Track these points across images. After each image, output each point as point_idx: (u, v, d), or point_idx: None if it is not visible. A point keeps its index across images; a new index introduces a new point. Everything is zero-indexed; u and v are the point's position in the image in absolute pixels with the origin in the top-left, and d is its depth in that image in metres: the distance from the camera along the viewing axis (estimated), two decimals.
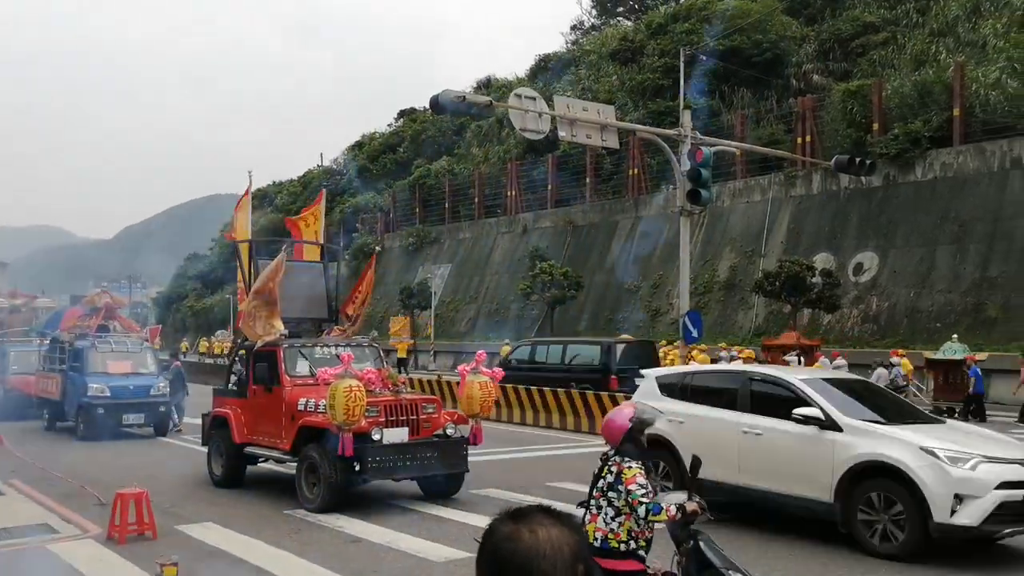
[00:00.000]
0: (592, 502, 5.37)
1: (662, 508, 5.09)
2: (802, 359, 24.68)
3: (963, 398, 23.47)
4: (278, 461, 12.22)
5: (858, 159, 21.05)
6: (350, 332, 12.96)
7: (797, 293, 31.09)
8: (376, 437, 10.59)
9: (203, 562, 8.53)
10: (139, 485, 9.76)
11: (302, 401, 11.20)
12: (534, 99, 17.09)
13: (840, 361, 25.88)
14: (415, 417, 11.12)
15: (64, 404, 19.08)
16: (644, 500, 5.08)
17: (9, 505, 11.17)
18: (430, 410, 11.37)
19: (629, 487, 5.15)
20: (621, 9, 73.43)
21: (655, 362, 21.97)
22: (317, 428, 10.80)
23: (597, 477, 5.42)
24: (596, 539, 5.27)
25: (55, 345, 20.19)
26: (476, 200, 56.17)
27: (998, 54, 34.27)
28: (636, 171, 45.47)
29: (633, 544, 5.24)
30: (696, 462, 5.62)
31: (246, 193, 13.81)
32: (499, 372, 11.84)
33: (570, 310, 44.09)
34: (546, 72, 65.09)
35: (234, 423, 12.34)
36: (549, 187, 51.20)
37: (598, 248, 46.49)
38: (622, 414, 5.52)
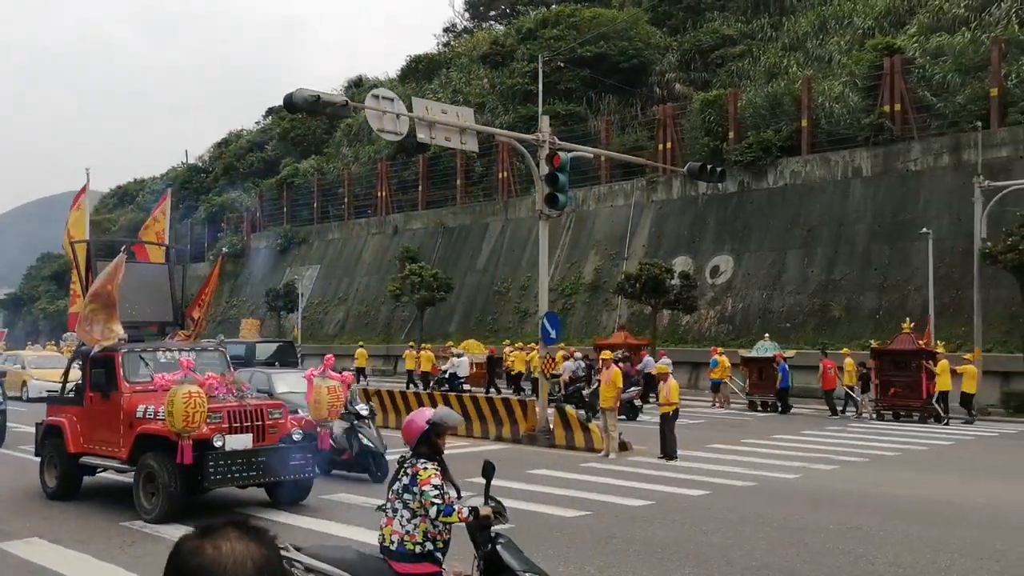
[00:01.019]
0: (388, 504, 5.34)
1: (454, 510, 5.12)
2: (631, 358, 26.07)
3: (775, 392, 25.46)
4: (118, 471, 11.73)
5: (709, 166, 21.79)
6: (195, 336, 12.55)
7: (657, 295, 32.07)
8: (218, 444, 10.30)
9: None
10: None
11: (141, 408, 10.77)
12: (392, 100, 16.96)
13: (665, 360, 27.37)
14: (260, 423, 10.86)
15: None
16: (436, 501, 5.10)
17: None
18: (276, 415, 11.12)
19: (423, 488, 5.15)
20: (493, 13, 73.97)
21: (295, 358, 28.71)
22: (156, 436, 10.44)
23: (394, 479, 5.40)
24: (392, 542, 5.24)
25: None
26: (346, 200, 55.45)
27: (842, 69, 36.32)
28: (506, 174, 45.88)
29: (430, 546, 5.23)
30: (489, 467, 5.61)
31: (82, 191, 13.21)
32: (348, 376, 11.72)
33: (441, 312, 44.05)
34: (417, 73, 64.85)
35: (69, 432, 11.75)
36: (420, 188, 51.07)
37: (469, 250, 46.65)
38: (422, 415, 5.53)
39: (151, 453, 10.46)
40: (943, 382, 22.03)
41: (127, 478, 11.89)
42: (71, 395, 12.45)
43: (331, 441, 11.90)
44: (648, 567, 8.67)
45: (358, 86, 66.76)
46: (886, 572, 8.53)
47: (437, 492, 5.16)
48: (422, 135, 17.48)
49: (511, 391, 29.54)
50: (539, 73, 31.15)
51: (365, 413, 13.45)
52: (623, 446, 17.17)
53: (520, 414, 19.21)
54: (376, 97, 16.81)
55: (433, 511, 5.10)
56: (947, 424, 22.03)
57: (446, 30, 76.39)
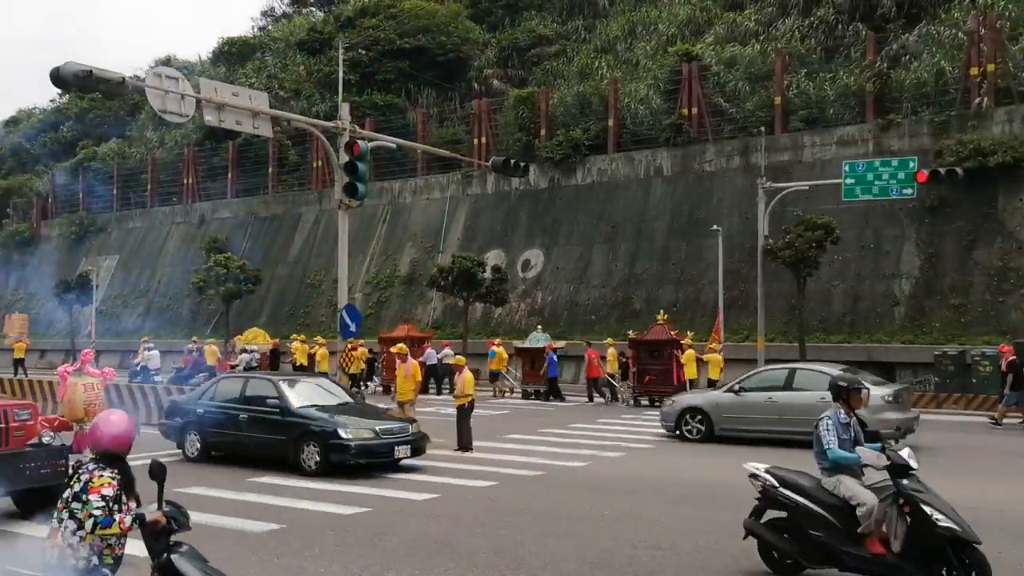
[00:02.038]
0: (56, 515, 4.87)
1: (113, 520, 4.72)
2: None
3: (545, 382, 26.77)
4: None
5: (513, 161, 22.00)
6: None
7: (469, 288, 32.22)
8: None
9: None
10: None
11: None
12: (176, 80, 16.02)
13: (447, 351, 28.55)
14: (4, 425, 9.89)
15: None
16: (96, 512, 4.70)
17: None
18: (23, 417, 10.17)
19: (90, 496, 4.76)
20: (313, 0, 72.14)
21: None
22: None
23: (65, 486, 4.95)
24: (53, 557, 4.79)
25: None
26: (149, 187, 52.51)
27: (647, 73, 37.78)
28: (320, 163, 44.76)
29: (96, 560, 4.81)
30: (158, 468, 5.17)
31: None
32: (110, 372, 10.92)
33: (250, 305, 42.51)
34: (231, 56, 62.29)
35: None
36: (230, 176, 49.04)
37: (281, 241, 45.28)
38: (124, 420, 5.10)
39: None
40: (689, 370, 23.71)
41: None
42: None
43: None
44: (414, 564, 8.49)
45: (167, 66, 63.38)
46: (646, 555, 8.76)
47: (103, 503, 4.73)
48: (210, 118, 16.63)
49: None
50: (339, 59, 30.54)
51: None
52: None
53: None
54: (159, 76, 15.83)
55: (89, 523, 4.68)
56: None
57: (264, 14, 73.92)
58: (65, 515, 4.79)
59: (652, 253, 33.48)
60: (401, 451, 13.71)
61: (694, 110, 34.20)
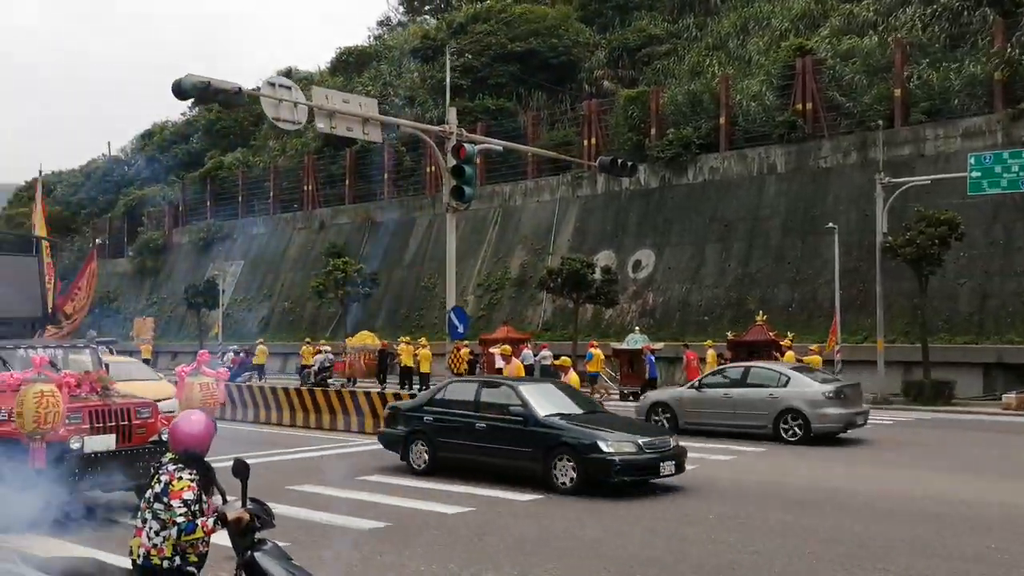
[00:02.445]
0: (139, 514, 4.95)
1: (196, 526, 4.76)
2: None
3: (641, 383, 26.41)
4: None
5: (620, 160, 21.88)
6: (66, 331, 12.11)
7: (579, 289, 32.19)
8: (75, 446, 9.73)
9: None
10: None
11: None
12: (289, 88, 16.63)
13: (544, 352, 28.49)
14: (126, 423, 10.43)
15: None
16: (179, 520, 4.73)
17: None
18: (145, 415, 10.71)
19: (172, 502, 4.78)
20: (428, 8, 73.50)
21: None
22: (6, 439, 9.85)
23: (147, 485, 5.00)
24: (139, 555, 4.88)
25: None
26: (272, 194, 54.55)
27: (759, 69, 36.94)
28: (434, 168, 45.54)
29: (179, 560, 4.86)
30: (241, 466, 5.19)
31: None
32: (224, 372, 11.41)
33: (368, 308, 43.64)
34: (348, 66, 64.14)
35: None
36: (347, 182, 50.49)
37: (397, 244, 46.27)
38: (203, 419, 5.15)
39: (1, 458, 9.89)
40: None
41: None
42: None
43: None
44: (513, 564, 8.50)
45: (288, 78, 65.69)
46: (747, 560, 8.56)
47: (185, 509, 4.76)
48: (321, 125, 17.20)
49: (400, 385, 29.82)
50: (447, 65, 31.02)
51: None
52: None
53: None
54: (272, 84, 16.46)
55: (174, 532, 4.74)
56: None
57: (380, 23, 75.86)
58: (148, 515, 4.87)
59: (766, 252, 32.70)
60: (666, 467, 12.02)
61: (808, 105, 33.26)
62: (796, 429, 16.70)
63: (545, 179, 41.43)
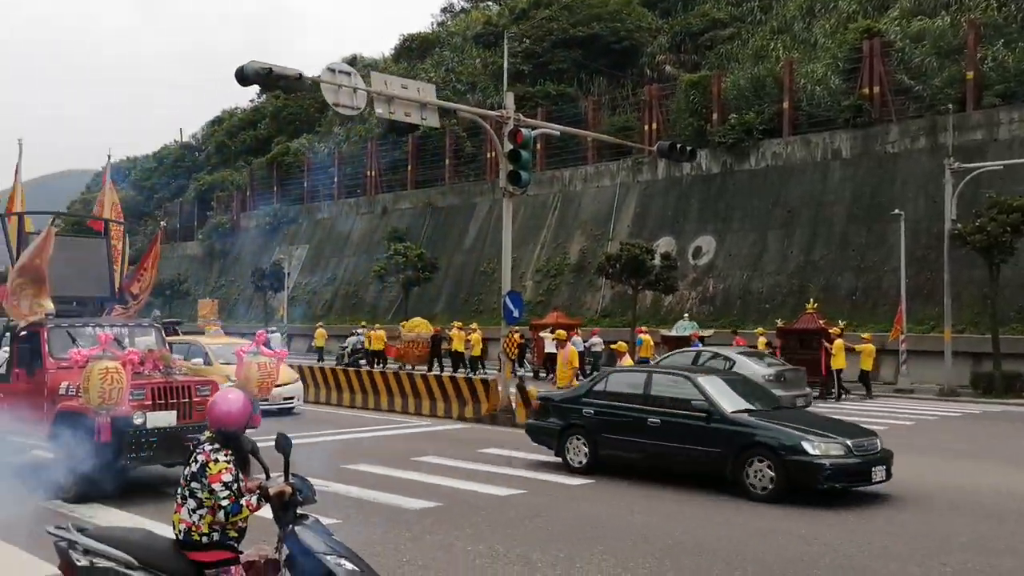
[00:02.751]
0: (180, 490, 5.10)
1: (241, 507, 4.91)
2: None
3: None
4: (48, 450, 11.33)
5: (679, 146, 21.68)
6: (133, 311, 12.48)
7: (638, 276, 32.01)
8: (138, 421, 10.14)
9: None
10: None
11: (64, 385, 10.63)
12: (349, 74, 16.85)
13: (595, 339, 28.62)
14: (187, 400, 10.76)
15: None
16: (224, 503, 4.87)
17: None
18: (205, 392, 11.02)
19: (212, 486, 4.91)
20: None
21: None
22: (75, 413, 10.28)
23: (185, 463, 5.14)
24: (180, 531, 5.04)
25: None
26: (336, 180, 55.31)
27: (825, 52, 36.16)
28: (493, 153, 45.67)
29: (217, 536, 5.02)
30: (283, 440, 5.25)
31: (18, 164, 13.09)
32: (283, 352, 11.66)
33: (428, 292, 44.05)
34: (411, 52, 64.58)
35: None
36: (409, 168, 50.93)
37: (457, 230, 46.58)
38: (240, 398, 5.27)
39: (70, 431, 10.33)
40: (838, 360, 23.02)
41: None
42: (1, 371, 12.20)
43: None
44: (561, 546, 8.59)
45: (352, 65, 66.25)
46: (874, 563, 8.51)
47: (227, 492, 4.89)
48: (380, 110, 17.41)
49: (453, 369, 30.21)
50: (504, 50, 31.10)
51: None
52: None
53: (483, 394, 19.17)
54: (332, 70, 16.67)
55: (221, 515, 4.90)
56: (840, 400, 22.99)
57: (443, 10, 76.08)
58: (186, 493, 5.01)
59: (830, 239, 32.08)
60: (878, 472, 10.71)
61: (876, 89, 32.45)
62: None
63: (605, 164, 41.23)
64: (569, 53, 49.49)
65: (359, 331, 34.10)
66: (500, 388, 18.86)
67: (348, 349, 30.66)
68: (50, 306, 11.32)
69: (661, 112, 39.58)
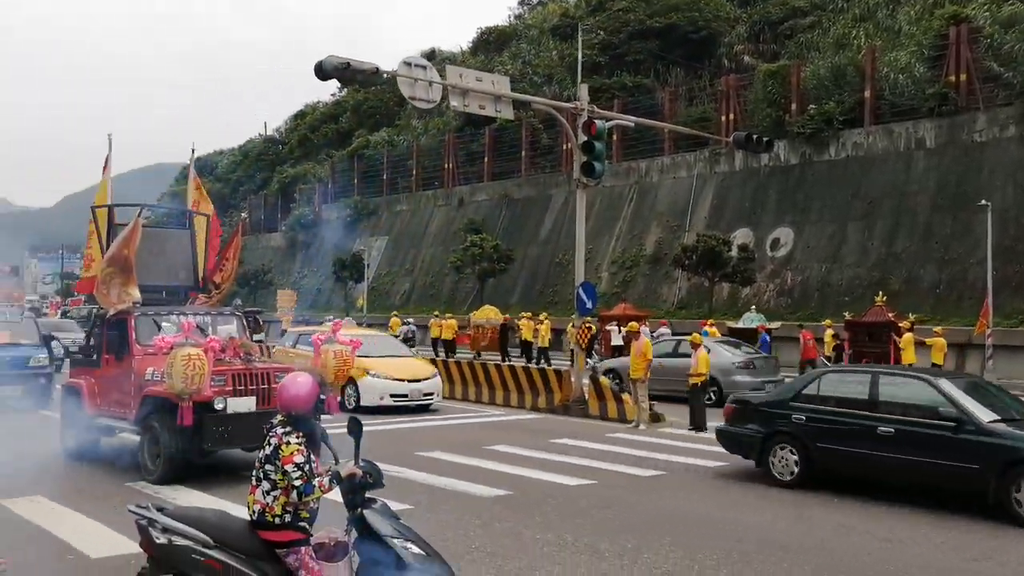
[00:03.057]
0: (255, 472, 5.25)
1: (313, 487, 5.05)
2: (621, 328, 27.72)
3: None
4: (134, 433, 11.78)
5: (755, 136, 21.43)
6: (215, 300, 12.94)
7: (714, 267, 31.75)
8: (219, 407, 10.43)
9: (8, 534, 8.48)
10: None
11: (149, 371, 10.98)
12: (424, 68, 17.06)
13: (663, 330, 28.19)
14: (266, 386, 11.00)
15: None
16: (296, 483, 5.00)
17: None
18: (283, 379, 11.36)
19: (285, 467, 5.03)
20: None
21: None
22: (159, 398, 10.60)
23: (259, 446, 5.29)
24: (254, 512, 5.19)
25: None
26: (414, 172, 56.03)
27: (909, 39, 35.12)
28: (568, 145, 45.64)
29: (289, 516, 5.15)
30: (355, 425, 5.42)
31: (108, 158, 13.59)
32: (358, 341, 11.94)
33: (503, 283, 44.35)
34: (488, 45, 64.91)
35: (86, 393, 12.15)
36: (486, 160, 51.28)
37: (532, 221, 46.75)
38: (308, 382, 5.37)
39: (155, 415, 10.73)
40: (907, 354, 22.24)
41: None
42: (90, 357, 12.71)
43: None
44: (629, 537, 8.63)
45: (431, 59, 66.92)
46: (880, 548, 8.43)
47: (299, 472, 5.02)
48: (455, 103, 17.57)
49: (526, 359, 30.25)
50: (579, 41, 31.06)
51: None
52: (656, 417, 17.14)
53: (555, 384, 19.27)
54: (408, 64, 16.92)
55: (294, 495, 5.03)
56: None
57: (521, 2, 76.17)
58: (261, 475, 5.18)
59: (912, 230, 31.20)
60: None
61: (962, 77, 31.41)
62: (712, 394, 18.53)
63: (682, 156, 40.85)
64: (646, 44, 49.11)
65: (409, 320, 35.62)
66: (573, 379, 18.94)
67: (400, 337, 31.49)
68: (137, 295, 11.75)
69: (739, 103, 39.01)
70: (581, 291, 19.29)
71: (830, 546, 8.44)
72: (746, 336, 27.00)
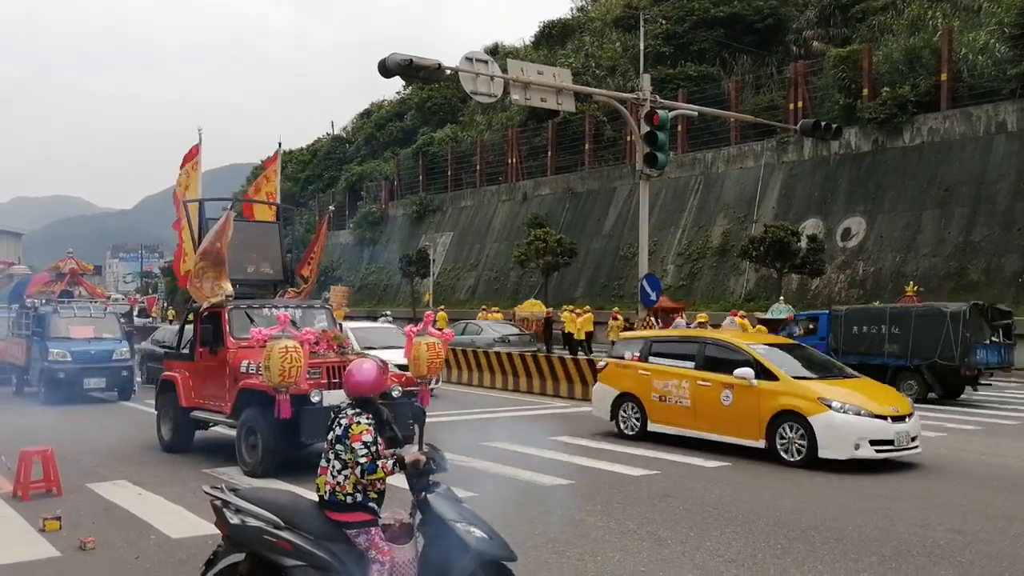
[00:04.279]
0: (324, 454, 5.42)
1: (377, 467, 5.16)
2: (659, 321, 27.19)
3: None
4: (228, 426, 11.96)
5: (823, 123, 21.05)
6: (304, 293, 13.18)
7: (783, 258, 31.19)
8: (315, 399, 10.46)
9: (94, 515, 8.86)
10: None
11: (244, 363, 11.08)
12: (486, 63, 17.21)
13: (679, 321, 28.14)
14: None
15: (28, 369, 19.48)
16: (361, 460, 5.15)
17: None
18: None
19: (353, 444, 5.20)
20: None
21: None
22: (256, 391, 10.70)
23: (329, 428, 5.46)
24: (325, 492, 5.35)
25: (22, 311, 20.41)
26: (478, 168, 56.31)
27: (989, 18, 33.94)
28: (632, 137, 45.31)
29: (360, 496, 5.30)
30: (419, 412, 5.58)
31: (196, 150, 13.86)
32: (449, 334, 12.01)
33: (567, 277, 44.31)
34: (551, 39, 64.83)
35: (181, 387, 12.27)
36: (549, 154, 51.26)
37: (596, 215, 46.59)
38: (373, 368, 5.58)
39: (252, 408, 10.82)
40: None
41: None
42: (183, 351, 13.01)
43: None
44: (690, 526, 8.63)
45: (494, 54, 67.24)
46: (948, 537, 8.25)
47: (365, 451, 5.19)
48: (516, 96, 17.68)
49: (570, 352, 30.30)
50: (640, 32, 30.79)
51: None
52: None
53: None
54: (470, 59, 17.07)
55: (358, 471, 5.18)
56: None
57: None
58: (332, 455, 5.36)
59: (993, 218, 30.19)
60: None
61: None
62: None
63: (748, 145, 40.23)
64: (710, 33, 48.48)
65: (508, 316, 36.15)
66: None
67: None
68: (229, 288, 11.92)
69: (807, 89, 38.23)
70: (645, 283, 19.27)
71: (902, 538, 8.28)
72: (774, 327, 26.55)
